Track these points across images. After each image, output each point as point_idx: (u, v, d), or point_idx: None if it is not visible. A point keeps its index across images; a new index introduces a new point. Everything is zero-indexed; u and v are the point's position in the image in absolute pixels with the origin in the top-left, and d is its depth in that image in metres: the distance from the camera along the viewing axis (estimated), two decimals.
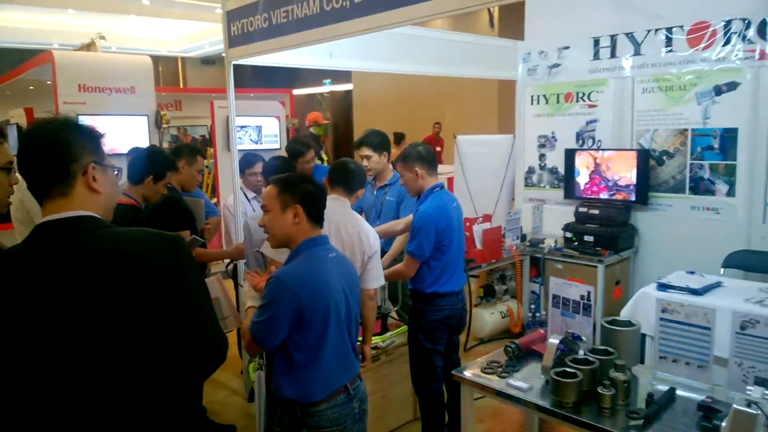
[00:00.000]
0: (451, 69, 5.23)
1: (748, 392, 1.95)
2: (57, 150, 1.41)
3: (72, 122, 1.48)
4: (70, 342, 1.30)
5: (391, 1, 2.61)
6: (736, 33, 4.15)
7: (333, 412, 2.10)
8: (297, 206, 2.15)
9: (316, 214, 2.21)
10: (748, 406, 1.86)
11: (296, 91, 14.63)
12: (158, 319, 1.36)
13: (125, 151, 5.28)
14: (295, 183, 2.22)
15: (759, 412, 1.83)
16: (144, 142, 6.62)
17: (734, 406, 1.88)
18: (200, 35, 16.05)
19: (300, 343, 2.05)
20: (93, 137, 1.50)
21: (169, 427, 1.42)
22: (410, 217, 3.42)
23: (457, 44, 5.08)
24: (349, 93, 17.34)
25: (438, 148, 11.64)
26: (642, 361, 2.66)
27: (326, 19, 3.03)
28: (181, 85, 19.69)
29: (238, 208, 3.94)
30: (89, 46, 8.48)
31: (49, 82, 8.52)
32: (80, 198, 1.42)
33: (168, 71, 20.82)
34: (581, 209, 4.90)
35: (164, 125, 7.44)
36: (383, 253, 3.81)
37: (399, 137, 11.37)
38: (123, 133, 6.65)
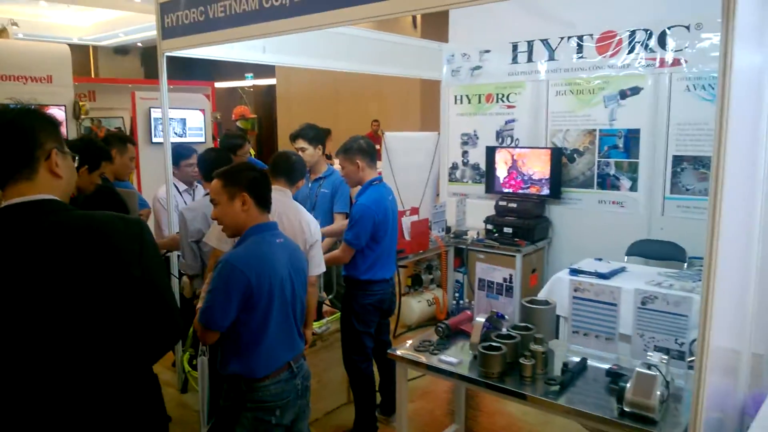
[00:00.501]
0: (377, 67, 5.42)
1: (648, 357, 2.24)
2: (24, 136, 1.47)
3: (35, 110, 1.54)
4: (37, 314, 1.38)
5: (329, 2, 2.75)
6: (639, 42, 4.58)
7: (276, 388, 2.22)
8: (243, 194, 2.24)
9: (263, 200, 2.31)
10: (649, 368, 2.15)
11: (218, 84, 14.37)
12: (122, 294, 1.45)
13: None
14: (239, 172, 2.31)
15: (657, 373, 2.12)
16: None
17: (636, 369, 2.16)
18: (114, 23, 15.40)
19: (247, 322, 2.17)
20: (54, 124, 1.57)
21: (126, 400, 1.51)
22: (337, 225, 3.78)
23: (383, 44, 5.26)
24: (271, 87, 17.20)
25: (377, 146, 11.82)
26: (557, 337, 2.94)
27: (265, 15, 3.12)
28: (93, 75, 18.81)
29: (170, 200, 3.95)
30: (0, 33, 8.05)
31: None
32: (43, 182, 1.49)
33: (79, 60, 19.79)
34: (501, 203, 5.22)
35: (83, 116, 7.19)
36: None
37: (326, 132, 11.47)
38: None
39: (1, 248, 1.39)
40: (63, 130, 6.73)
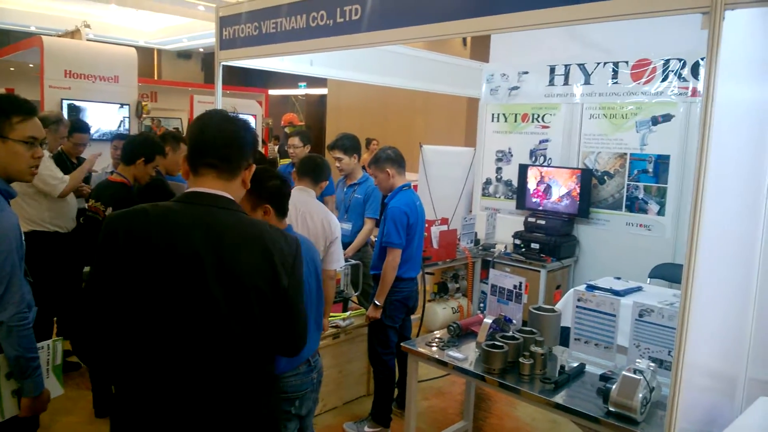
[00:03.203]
0: (422, 84, 5.72)
1: (636, 363, 2.41)
2: (255, 141, 1.75)
3: (252, 128, 1.78)
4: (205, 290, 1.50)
5: (369, 24, 3.04)
6: (673, 71, 4.71)
7: (296, 380, 2.40)
8: (266, 205, 2.31)
9: (283, 209, 2.39)
10: (634, 373, 2.33)
11: (271, 92, 14.93)
12: (269, 299, 1.56)
13: (108, 137, 5.56)
14: (263, 181, 2.32)
15: (641, 377, 2.29)
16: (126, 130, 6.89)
17: (623, 372, 2.34)
18: (179, 29, 16.18)
19: None
20: (256, 144, 1.80)
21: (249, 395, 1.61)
22: (365, 229, 4.00)
23: (429, 62, 5.55)
24: (323, 97, 17.68)
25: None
26: (562, 345, 3.12)
27: (311, 33, 3.44)
28: (156, 77, 19.74)
29: None
30: (74, 33, 8.69)
31: (31, 65, 8.72)
32: (234, 186, 1.65)
33: (144, 62, 20.83)
34: (530, 219, 5.40)
35: (144, 115, 7.71)
36: (348, 245, 4.28)
37: (368, 141, 11.84)
38: (105, 120, 6.91)
39: (190, 226, 1.52)
40: (125, 125, 7.27)
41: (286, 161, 5.93)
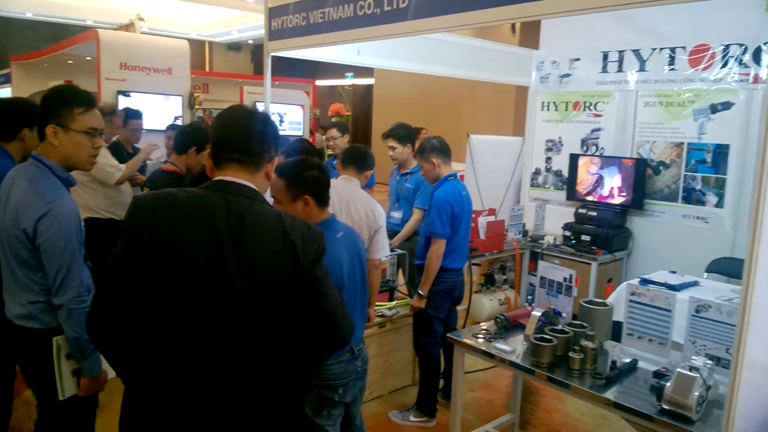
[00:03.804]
0: (470, 72, 5.63)
1: (692, 360, 2.32)
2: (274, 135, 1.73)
3: (273, 121, 1.77)
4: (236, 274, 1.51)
5: (416, 12, 3.01)
6: (733, 57, 4.50)
7: (339, 367, 2.37)
8: (306, 196, 2.31)
9: (322, 198, 2.38)
10: (690, 370, 2.24)
11: (319, 82, 15.03)
12: (295, 291, 1.56)
13: (162, 127, 5.69)
14: (300, 173, 2.33)
15: (697, 375, 2.21)
16: (179, 121, 7.05)
17: (678, 369, 2.26)
18: (229, 21, 16.45)
19: None
20: (279, 138, 1.79)
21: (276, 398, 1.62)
22: (413, 219, 4.05)
23: (477, 50, 5.46)
24: (370, 87, 17.72)
25: None
26: (614, 340, 3.04)
27: (357, 22, 3.43)
28: (208, 69, 20.13)
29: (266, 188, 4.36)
30: (128, 27, 8.94)
31: (88, 58, 9.00)
32: (260, 178, 1.66)
33: (196, 54, 21.26)
34: (581, 210, 5.27)
35: (196, 106, 7.88)
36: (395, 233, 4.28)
37: (416, 131, 11.78)
38: (159, 111, 7.08)
39: (211, 213, 1.53)
40: (178, 117, 7.44)
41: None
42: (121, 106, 6.10)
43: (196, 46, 20.95)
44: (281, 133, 7.29)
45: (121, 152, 4.68)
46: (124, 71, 7.09)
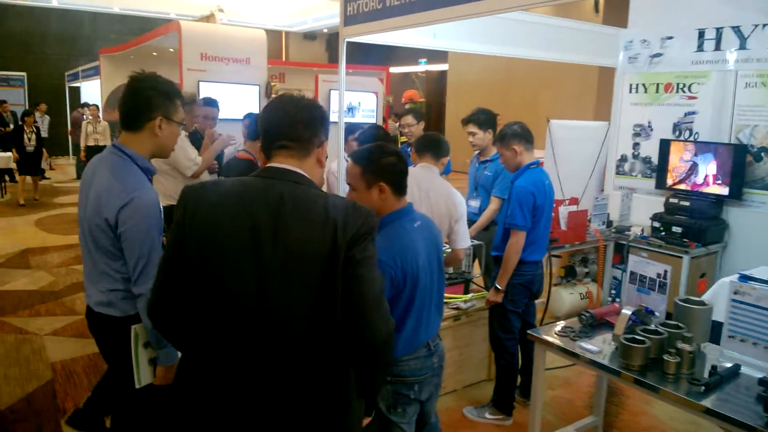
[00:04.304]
0: (550, 54, 5.33)
1: None
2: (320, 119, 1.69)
3: (321, 106, 1.73)
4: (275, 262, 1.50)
5: None
6: None
7: (416, 363, 2.26)
8: (381, 183, 2.20)
9: (399, 186, 2.25)
10: None
11: (392, 69, 14.94)
12: (328, 268, 1.49)
13: (240, 116, 5.76)
14: (376, 160, 2.23)
15: None
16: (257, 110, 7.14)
17: None
18: (305, 11, 16.65)
19: (390, 310, 2.24)
20: (328, 122, 1.74)
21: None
22: (490, 208, 3.92)
23: (557, 29, 5.17)
24: (443, 73, 17.47)
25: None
26: (712, 342, 2.80)
27: (437, 2, 3.29)
28: (284, 59, 20.48)
29: (341, 173, 4.32)
30: (209, 18, 9.15)
31: (171, 50, 9.28)
32: (310, 164, 1.66)
33: (272, 44, 21.68)
34: (672, 200, 4.93)
35: (273, 95, 7.97)
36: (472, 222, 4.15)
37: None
38: (237, 101, 7.20)
39: (262, 199, 1.53)
40: (256, 105, 7.56)
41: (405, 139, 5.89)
42: (201, 96, 6.23)
43: (273, 36, 21.39)
44: (355, 120, 7.26)
45: (200, 140, 4.77)
46: (204, 62, 7.24)
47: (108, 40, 15.71)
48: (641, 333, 2.50)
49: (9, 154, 10.92)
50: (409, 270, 2.18)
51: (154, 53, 10.44)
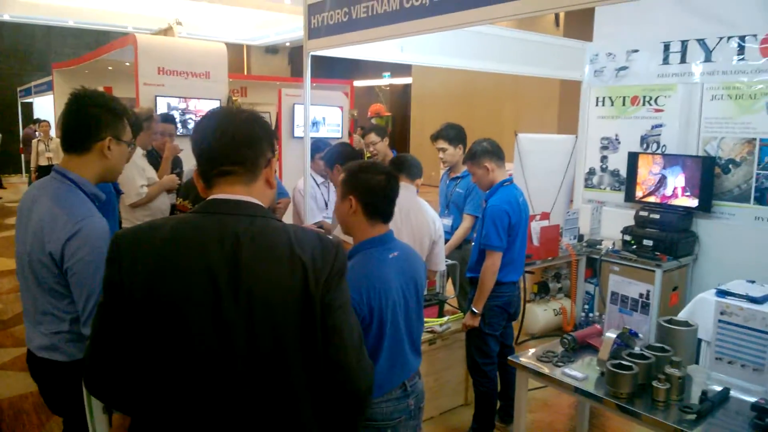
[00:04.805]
0: (514, 67, 5.28)
1: None
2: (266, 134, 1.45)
3: (263, 119, 1.49)
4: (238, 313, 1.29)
5: (467, 1, 2.74)
6: None
7: (387, 406, 2.06)
8: (351, 197, 2.06)
9: (374, 208, 2.08)
10: None
11: (357, 83, 14.84)
12: (302, 318, 1.32)
13: None
14: (357, 172, 2.10)
15: None
16: None
17: None
18: (266, 24, 16.46)
19: None
20: (273, 136, 1.49)
21: None
22: (463, 227, 3.81)
23: (521, 42, 5.13)
24: (407, 87, 17.47)
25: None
26: (697, 363, 2.72)
27: (404, 15, 3.17)
28: (246, 72, 20.22)
29: (308, 191, 4.15)
30: (166, 31, 8.89)
31: (127, 63, 8.98)
32: (259, 189, 1.44)
33: (234, 58, 21.42)
34: (642, 213, 4.90)
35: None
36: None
37: None
38: (197, 116, 6.97)
39: (208, 242, 1.31)
40: None
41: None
42: (158, 112, 5.99)
43: (234, 49, 21.13)
44: (320, 135, 7.08)
45: (157, 159, 4.54)
46: (162, 76, 7.00)
47: (62, 55, 15.23)
48: (627, 358, 2.39)
49: None
50: (375, 305, 1.99)
51: (110, 67, 10.11)
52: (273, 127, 10.71)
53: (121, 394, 1.37)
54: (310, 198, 4.27)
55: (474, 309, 3.24)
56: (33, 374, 2.03)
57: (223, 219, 1.34)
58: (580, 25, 6.10)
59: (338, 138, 7.60)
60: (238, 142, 1.39)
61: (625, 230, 4.90)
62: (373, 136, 4.69)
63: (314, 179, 4.40)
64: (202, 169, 1.42)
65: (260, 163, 1.42)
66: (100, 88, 7.35)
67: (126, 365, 1.32)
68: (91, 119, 1.93)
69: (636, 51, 5.12)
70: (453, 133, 4.12)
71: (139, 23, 14.03)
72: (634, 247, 4.76)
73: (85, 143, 1.93)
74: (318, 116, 7.43)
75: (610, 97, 5.36)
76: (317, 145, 4.37)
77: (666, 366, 2.32)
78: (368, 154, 5.56)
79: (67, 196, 1.88)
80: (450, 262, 3.81)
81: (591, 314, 4.53)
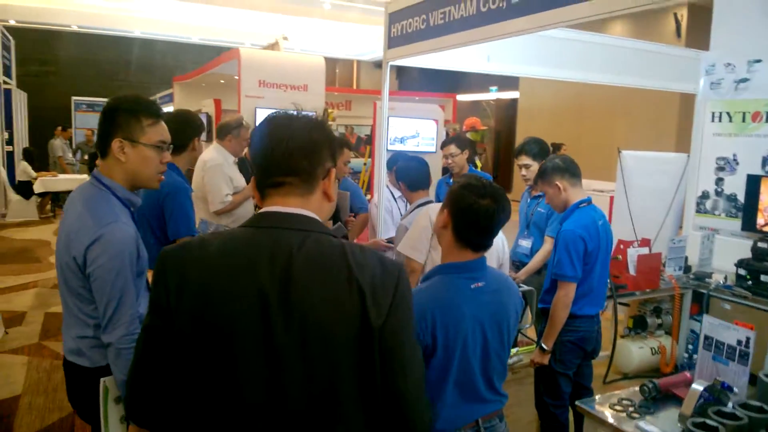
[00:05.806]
0: (625, 79, 4.89)
1: None
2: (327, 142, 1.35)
3: (323, 124, 1.41)
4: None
5: (547, 1, 2.49)
6: None
7: None
8: (447, 210, 1.91)
9: (463, 234, 1.89)
10: None
11: (461, 97, 14.66)
12: (358, 344, 1.22)
13: None
14: (461, 186, 1.92)
15: None
16: None
17: None
18: (374, 39, 16.69)
19: None
20: (335, 144, 1.41)
21: None
22: (544, 249, 3.57)
23: (631, 52, 4.75)
24: (515, 101, 17.02)
25: None
26: None
27: (483, 20, 2.98)
28: (354, 87, 20.64)
29: (381, 204, 4.02)
30: (273, 46, 9.21)
31: (236, 77, 9.41)
32: (316, 202, 1.34)
33: (344, 73, 21.99)
34: (761, 244, 4.29)
35: (330, 122, 7.84)
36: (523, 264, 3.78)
37: (556, 147, 10.89)
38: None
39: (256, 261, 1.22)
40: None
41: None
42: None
43: (345, 65, 21.69)
44: (416, 149, 6.96)
45: (248, 167, 4.61)
46: (262, 88, 7.23)
47: (184, 69, 16.28)
48: (714, 416, 2.01)
49: None
50: (440, 335, 1.81)
51: (222, 81, 10.62)
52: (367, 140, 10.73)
53: (163, 422, 1.30)
54: (385, 212, 4.14)
55: (543, 345, 2.93)
56: (65, 378, 2.04)
57: (274, 233, 1.25)
58: (702, 34, 5.51)
59: (432, 152, 7.44)
60: (292, 150, 1.29)
61: (740, 263, 4.31)
62: (452, 148, 4.40)
63: (392, 192, 4.26)
64: (257, 179, 1.34)
65: (317, 173, 1.32)
66: (210, 101, 7.75)
67: (170, 393, 1.26)
68: (105, 121, 1.91)
69: (759, 61, 4.52)
70: (536, 149, 3.83)
71: (256, 40, 14.74)
72: (750, 283, 4.18)
73: (102, 147, 1.91)
74: (410, 129, 7.30)
75: (728, 113, 4.78)
76: (395, 158, 4.22)
77: (762, 430, 1.92)
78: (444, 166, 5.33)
79: (97, 201, 1.86)
80: (526, 288, 3.50)
81: (695, 355, 4.02)
